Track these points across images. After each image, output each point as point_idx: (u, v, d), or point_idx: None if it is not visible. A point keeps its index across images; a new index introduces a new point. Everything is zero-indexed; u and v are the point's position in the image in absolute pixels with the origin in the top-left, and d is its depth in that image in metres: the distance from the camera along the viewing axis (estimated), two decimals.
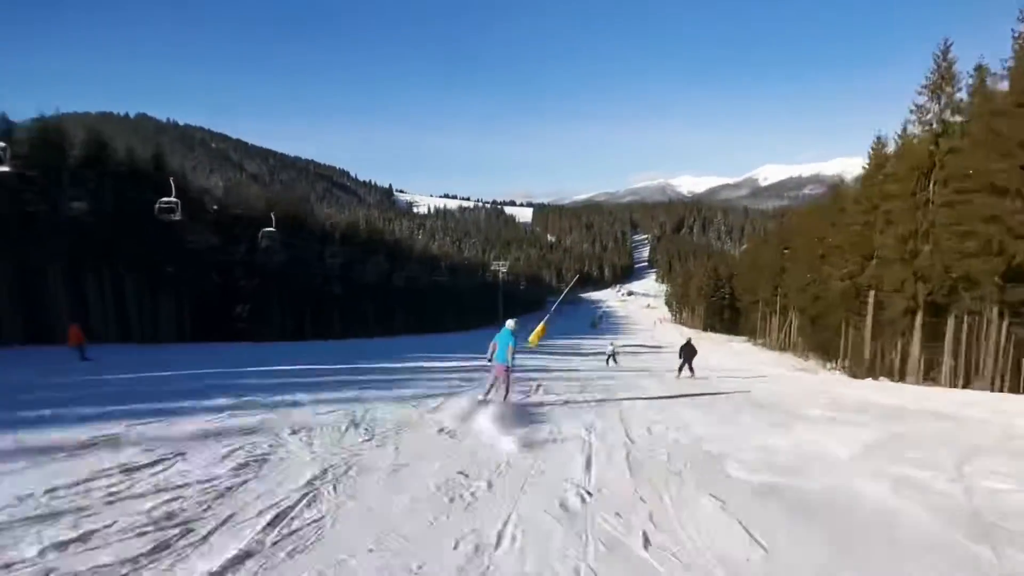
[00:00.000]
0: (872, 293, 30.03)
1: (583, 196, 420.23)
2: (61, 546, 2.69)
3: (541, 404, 8.76)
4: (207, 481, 3.81)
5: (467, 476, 4.19)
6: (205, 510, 3.27)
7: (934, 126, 25.45)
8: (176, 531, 2.94)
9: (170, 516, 3.14)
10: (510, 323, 7.71)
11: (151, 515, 3.13)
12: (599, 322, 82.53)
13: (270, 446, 4.90)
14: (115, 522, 3.02)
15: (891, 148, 30.28)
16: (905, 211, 25.50)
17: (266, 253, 39.71)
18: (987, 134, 22.12)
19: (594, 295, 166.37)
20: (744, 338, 67.51)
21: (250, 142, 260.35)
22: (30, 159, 26.78)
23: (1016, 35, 21.52)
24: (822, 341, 40.96)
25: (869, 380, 27.36)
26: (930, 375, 27.18)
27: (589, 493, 3.85)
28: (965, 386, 23.98)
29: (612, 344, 25.39)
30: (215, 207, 42.02)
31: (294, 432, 5.51)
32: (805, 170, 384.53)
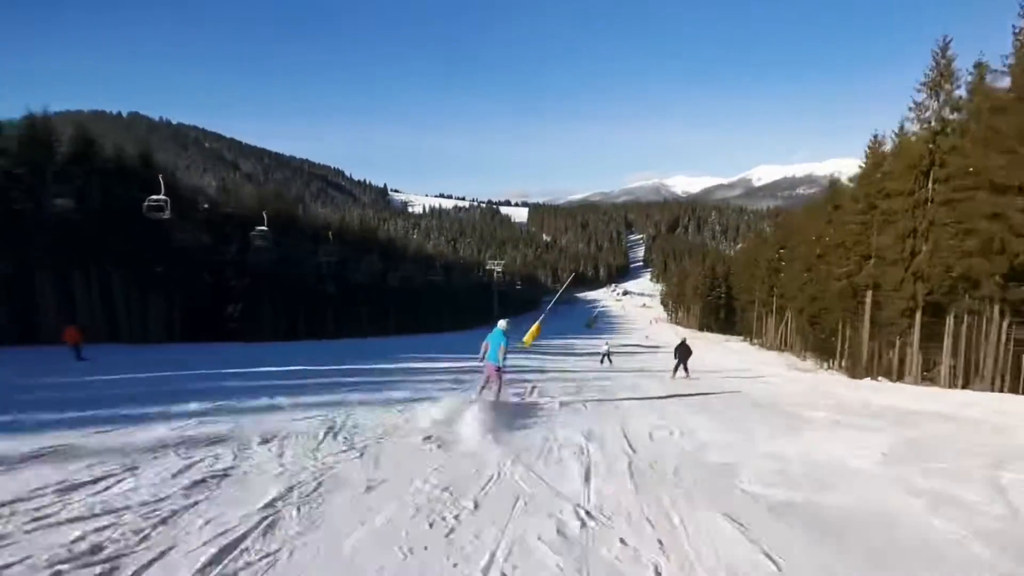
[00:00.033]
0: (870, 293, 29.78)
1: (578, 196, 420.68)
2: None
3: (536, 407, 8.31)
4: (152, 502, 3.33)
5: (451, 494, 3.72)
6: (140, 541, 2.79)
7: (933, 124, 25.19)
8: (98, 570, 2.46)
9: (96, 549, 2.66)
10: (502, 323, 7.69)
11: (73, 548, 2.65)
12: (594, 322, 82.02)
13: (234, 458, 4.42)
14: (28, 557, 2.54)
15: (888, 147, 30.12)
16: (904, 209, 25.25)
17: (258, 252, 39.12)
18: (987, 131, 21.89)
19: (589, 295, 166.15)
20: (741, 337, 67.39)
21: (244, 141, 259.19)
22: (18, 157, 26.41)
23: (1016, 31, 21.25)
24: (819, 341, 40.76)
25: (868, 380, 27.12)
26: (928, 375, 26.96)
27: (589, 514, 3.39)
28: (964, 386, 23.76)
29: (607, 344, 25.14)
30: (206, 206, 41.42)
31: (264, 441, 5.03)
32: (798, 170, 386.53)
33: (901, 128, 28.21)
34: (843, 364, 35.64)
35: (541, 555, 2.79)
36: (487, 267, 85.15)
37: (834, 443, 5.85)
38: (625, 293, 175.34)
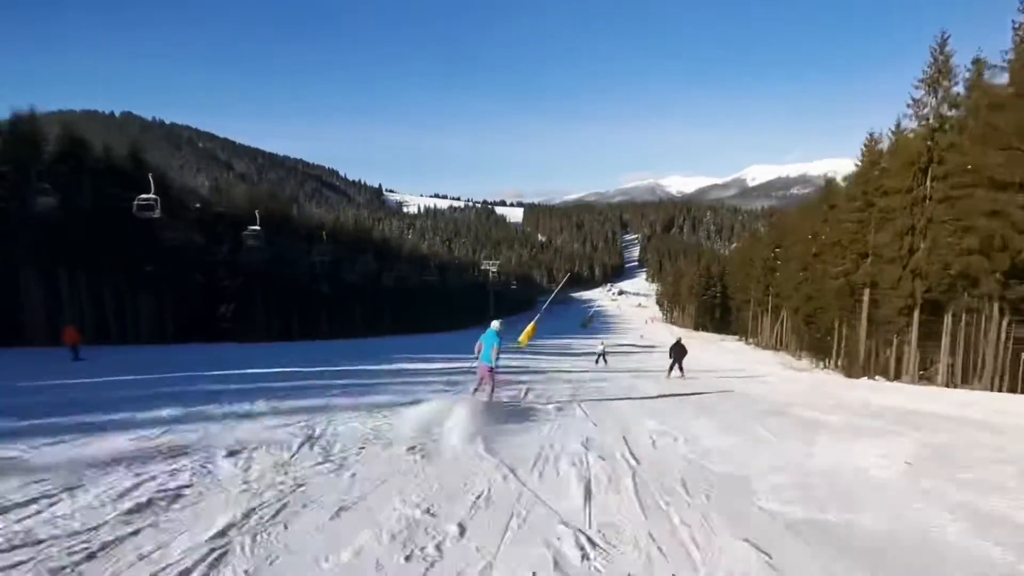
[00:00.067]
0: (867, 291, 29.56)
1: (573, 196, 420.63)
2: None
3: (531, 410, 7.88)
4: (85, 532, 2.87)
5: (435, 516, 3.28)
6: None
7: (931, 120, 24.98)
8: None
9: None
10: (495, 324, 7.60)
11: None
12: (590, 322, 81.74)
13: (193, 475, 3.95)
14: None
15: (885, 145, 29.97)
16: (902, 207, 25.02)
17: (250, 252, 38.50)
18: (985, 128, 21.68)
19: (585, 294, 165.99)
20: (736, 337, 67.27)
21: (238, 141, 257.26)
22: (3, 155, 26.05)
23: (1016, 26, 21.06)
24: (815, 340, 40.58)
25: (865, 379, 26.88)
26: (924, 374, 26.75)
27: (592, 541, 2.95)
28: (962, 386, 23.55)
29: (602, 344, 24.84)
30: (197, 205, 40.80)
31: (231, 454, 4.56)
32: (792, 170, 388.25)
33: (898, 126, 28.06)
34: (839, 363, 35.45)
35: None
36: (482, 267, 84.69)
37: (851, 451, 5.45)
38: (620, 293, 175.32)
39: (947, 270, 23.33)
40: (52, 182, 26.99)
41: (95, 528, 2.91)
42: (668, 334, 57.36)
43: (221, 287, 39.01)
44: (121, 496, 3.42)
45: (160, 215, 27.69)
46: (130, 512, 3.15)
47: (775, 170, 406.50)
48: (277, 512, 3.24)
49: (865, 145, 32.20)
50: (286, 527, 3.02)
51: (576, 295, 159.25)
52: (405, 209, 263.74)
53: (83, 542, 2.73)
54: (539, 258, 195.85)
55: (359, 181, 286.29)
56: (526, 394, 9.69)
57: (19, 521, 2.99)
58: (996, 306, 21.55)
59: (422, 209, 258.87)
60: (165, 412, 6.63)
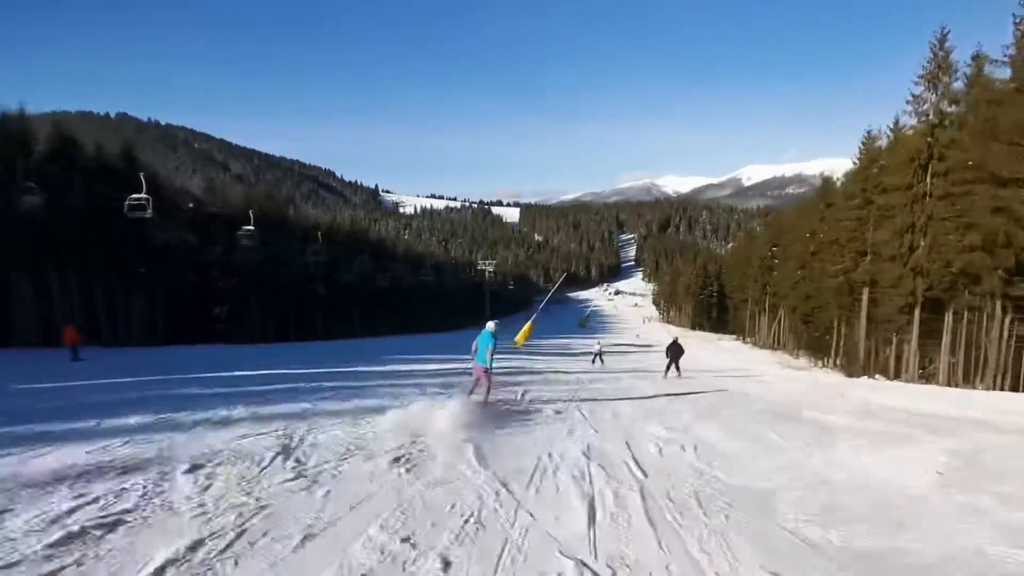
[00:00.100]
0: (866, 290, 29.26)
1: (570, 196, 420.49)
2: None
3: (528, 414, 7.46)
4: None
5: (415, 546, 2.83)
6: None
7: (931, 116, 24.66)
8: None
9: None
10: (490, 325, 7.55)
11: None
12: (587, 321, 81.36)
13: (143, 495, 3.48)
14: None
15: (883, 143, 29.71)
16: (902, 204, 24.70)
17: (244, 252, 37.97)
18: (985, 123, 21.41)
19: (581, 294, 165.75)
20: (733, 336, 67.05)
21: (234, 142, 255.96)
22: None
23: (1017, 20, 20.72)
24: (813, 339, 40.31)
25: (865, 379, 26.58)
26: (923, 373, 26.45)
27: None
28: (964, 385, 23.27)
29: (599, 343, 24.45)
30: (191, 205, 40.25)
31: (193, 468, 4.09)
32: (788, 170, 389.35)
33: (896, 123, 27.81)
34: (838, 362, 35.16)
35: None
36: (479, 267, 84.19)
37: (874, 459, 5.03)
38: (617, 293, 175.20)
39: (948, 268, 23.02)
40: (42, 181, 26.62)
41: (7, 568, 2.45)
42: (665, 333, 57.04)
43: (215, 288, 38.47)
44: (53, 523, 2.95)
45: (152, 215, 27.36)
46: (56, 545, 2.68)
47: (771, 170, 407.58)
48: (231, 543, 2.77)
49: (863, 143, 31.96)
50: (237, 563, 2.56)
51: (573, 295, 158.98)
52: (401, 209, 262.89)
53: None
54: (536, 258, 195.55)
55: (355, 182, 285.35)
56: (523, 396, 9.26)
57: None
58: (999, 304, 21.25)
59: (418, 209, 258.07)
60: (133, 419, 6.15)
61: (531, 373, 14.60)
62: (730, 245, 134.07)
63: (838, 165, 41.74)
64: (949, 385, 23.45)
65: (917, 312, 25.31)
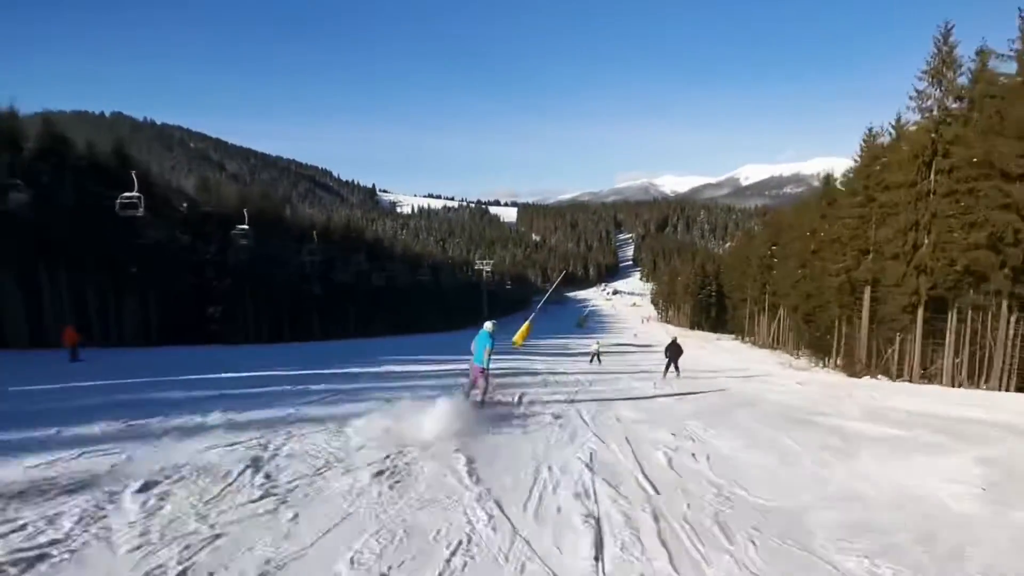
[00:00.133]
0: (868, 289, 28.89)
1: (567, 196, 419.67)
2: None
3: (525, 418, 7.01)
4: None
5: None
6: None
7: (935, 112, 24.30)
8: None
9: None
10: (488, 325, 7.39)
11: None
12: (585, 321, 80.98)
13: (80, 521, 3.01)
14: None
15: (885, 140, 29.37)
16: (906, 202, 24.31)
17: (239, 252, 37.46)
18: (992, 118, 21.05)
19: (580, 294, 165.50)
20: (732, 336, 66.73)
21: (230, 141, 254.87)
22: None
23: None
24: (814, 338, 39.95)
25: (868, 378, 26.23)
26: (924, 373, 26.08)
27: None
28: (968, 385, 22.92)
29: (597, 343, 24.08)
30: (184, 204, 39.72)
31: (146, 487, 3.61)
32: (785, 170, 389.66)
33: (898, 120, 27.51)
34: (838, 362, 34.80)
35: None
36: (476, 267, 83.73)
37: (903, 470, 4.59)
38: (615, 292, 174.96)
39: (953, 266, 22.66)
40: (32, 179, 26.22)
41: None
42: (664, 333, 56.67)
43: (209, 288, 37.98)
44: None
45: (144, 213, 26.96)
46: None
47: (768, 169, 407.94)
48: None
49: (864, 140, 31.61)
50: None
51: (571, 295, 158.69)
52: (399, 209, 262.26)
53: None
54: (533, 258, 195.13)
55: (352, 181, 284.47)
56: (520, 399, 8.82)
57: None
58: (1005, 303, 20.90)
59: (416, 209, 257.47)
60: (98, 427, 5.68)
61: (529, 374, 14.15)
62: (728, 245, 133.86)
63: (836, 164, 41.43)
64: (953, 386, 23.11)
65: (920, 311, 24.94)
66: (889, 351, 28.77)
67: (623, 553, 2.79)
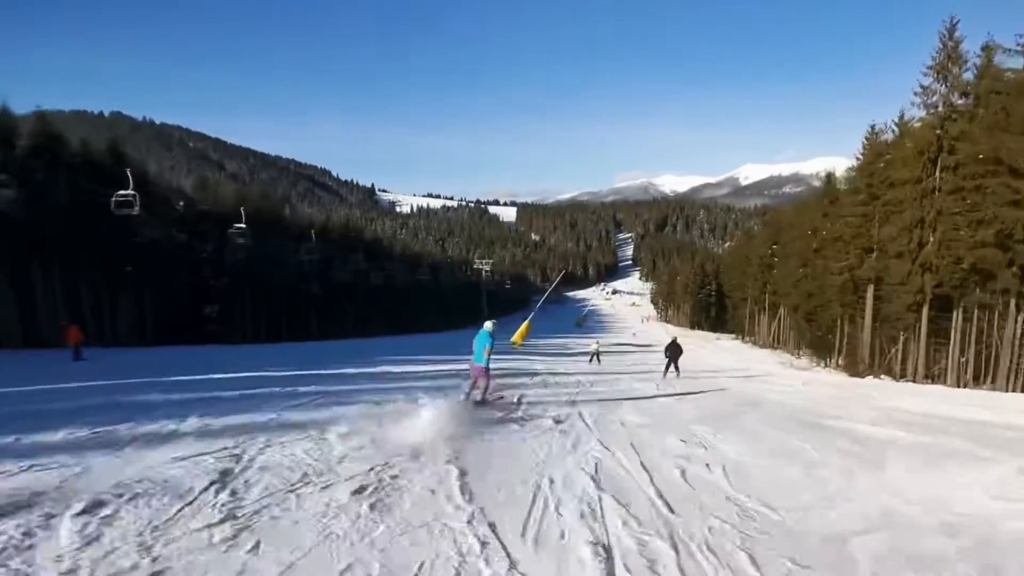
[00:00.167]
0: (871, 287, 28.49)
1: (567, 195, 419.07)
2: None
3: (523, 423, 6.59)
4: None
5: None
6: None
7: (940, 108, 23.91)
8: None
9: None
10: (488, 325, 7.36)
11: None
12: (584, 321, 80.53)
13: (2, 551, 2.57)
14: None
15: (888, 137, 29.01)
16: (911, 199, 23.91)
17: (236, 251, 37.01)
18: (999, 114, 20.68)
19: (579, 294, 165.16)
20: (732, 335, 66.35)
21: (229, 141, 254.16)
22: None
23: None
24: (816, 338, 39.54)
25: (871, 379, 25.85)
26: (928, 373, 25.69)
27: None
28: (974, 385, 22.55)
29: (596, 343, 23.70)
30: (181, 203, 39.29)
31: (92, 507, 3.17)
32: (784, 169, 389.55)
33: (901, 117, 27.18)
34: (840, 362, 34.40)
35: None
36: (476, 266, 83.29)
37: (943, 484, 4.16)
38: (615, 292, 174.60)
39: (959, 264, 22.27)
40: (25, 177, 25.83)
41: None
42: (663, 332, 56.27)
43: (206, 286, 37.54)
44: None
45: (139, 212, 26.58)
46: None
47: (768, 169, 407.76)
48: None
49: (867, 138, 31.27)
50: None
51: (570, 294, 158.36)
52: (398, 209, 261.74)
53: None
54: (533, 257, 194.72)
55: (351, 181, 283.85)
56: (519, 401, 8.39)
57: None
58: (1013, 302, 20.50)
59: (415, 209, 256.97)
60: (61, 434, 5.23)
61: (529, 375, 13.72)
62: (728, 244, 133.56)
63: (836, 164, 41.14)
64: (958, 386, 22.73)
65: (925, 310, 24.55)
66: (892, 351, 28.38)
67: None
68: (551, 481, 4.07)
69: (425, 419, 5.78)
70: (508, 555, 2.71)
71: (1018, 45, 21.07)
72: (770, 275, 50.15)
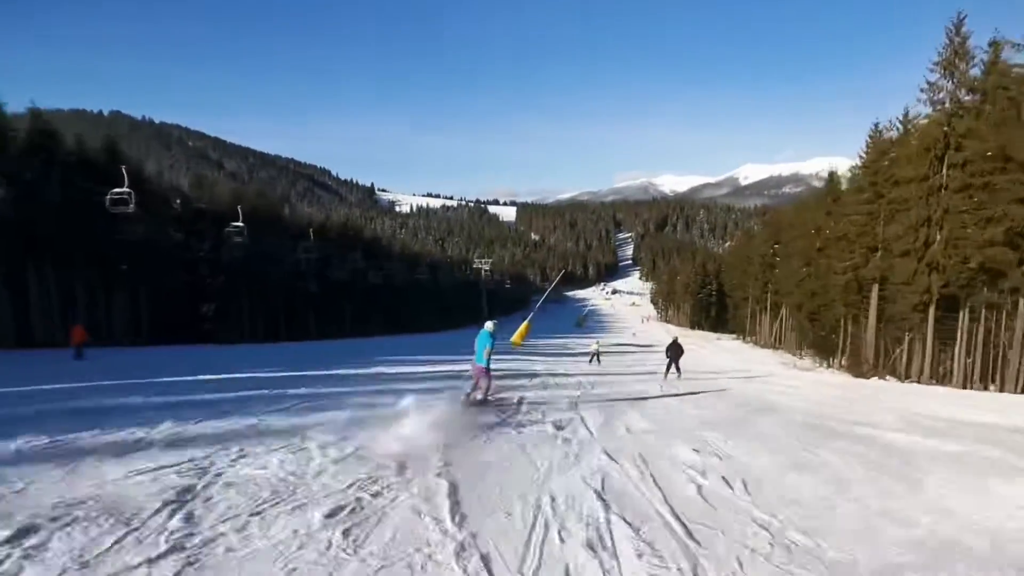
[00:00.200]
0: (876, 287, 28.05)
1: (567, 195, 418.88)
2: None
3: (522, 429, 6.14)
4: None
5: None
6: None
7: (947, 105, 23.48)
8: None
9: None
10: (488, 325, 7.38)
11: None
12: (584, 321, 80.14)
13: None
14: None
15: (893, 135, 28.62)
16: (918, 197, 23.47)
17: (233, 249, 36.56)
18: (1007, 110, 20.28)
19: (579, 293, 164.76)
20: (733, 335, 65.93)
21: (228, 140, 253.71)
22: None
23: None
24: (819, 338, 39.09)
25: (875, 379, 25.42)
26: (934, 374, 25.27)
27: None
28: (980, 386, 22.15)
29: (596, 343, 23.30)
30: (178, 201, 38.86)
31: (16, 537, 2.70)
32: (784, 169, 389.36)
33: (906, 114, 26.85)
34: (843, 362, 33.97)
35: None
36: (475, 266, 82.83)
37: (995, 503, 3.71)
38: (614, 292, 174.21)
39: (966, 263, 21.84)
40: (18, 175, 25.46)
41: None
42: (664, 332, 55.85)
43: (203, 285, 37.13)
44: None
45: (135, 209, 26.28)
46: None
47: (767, 169, 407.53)
48: None
49: (870, 136, 30.89)
50: None
51: (570, 294, 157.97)
52: (397, 208, 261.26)
53: None
54: (532, 257, 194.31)
55: (351, 180, 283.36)
56: (519, 404, 7.95)
57: None
58: (1022, 302, 20.09)
59: (414, 208, 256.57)
60: (16, 443, 4.76)
61: (528, 376, 13.25)
62: (728, 244, 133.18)
63: (835, 164, 40.74)
64: (965, 387, 22.33)
65: (932, 310, 24.12)
66: (897, 351, 27.95)
67: None
68: (553, 499, 3.62)
69: (415, 426, 5.35)
70: None
71: None
72: (772, 274, 49.72)
